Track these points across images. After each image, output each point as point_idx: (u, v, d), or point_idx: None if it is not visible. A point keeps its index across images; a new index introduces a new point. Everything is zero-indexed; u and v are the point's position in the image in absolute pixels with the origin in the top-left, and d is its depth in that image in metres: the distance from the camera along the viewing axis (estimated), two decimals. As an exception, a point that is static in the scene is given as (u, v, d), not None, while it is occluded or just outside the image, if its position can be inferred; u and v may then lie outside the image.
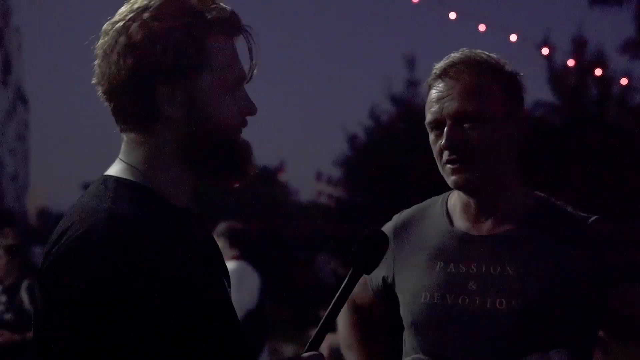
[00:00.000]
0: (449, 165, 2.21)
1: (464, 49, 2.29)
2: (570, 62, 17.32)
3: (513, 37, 12.24)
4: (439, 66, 2.27)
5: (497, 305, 2.15)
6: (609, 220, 2.25)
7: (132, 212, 1.68)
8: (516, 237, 2.22)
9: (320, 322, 1.89)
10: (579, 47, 18.52)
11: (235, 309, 7.00)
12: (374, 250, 1.95)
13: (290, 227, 23.25)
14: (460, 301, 2.20)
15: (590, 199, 16.29)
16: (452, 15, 11.64)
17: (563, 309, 2.14)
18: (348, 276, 1.91)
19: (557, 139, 17.65)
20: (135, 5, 1.77)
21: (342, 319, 2.66)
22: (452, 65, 2.24)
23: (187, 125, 1.77)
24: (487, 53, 2.28)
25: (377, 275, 2.42)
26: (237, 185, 1.86)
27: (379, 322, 2.67)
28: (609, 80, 18.24)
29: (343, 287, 1.89)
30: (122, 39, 1.74)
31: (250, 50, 1.86)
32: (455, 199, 2.35)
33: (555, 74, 18.53)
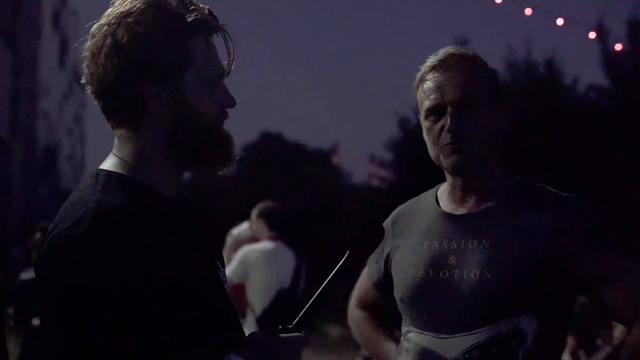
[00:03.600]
0: (448, 146, 2.39)
1: (450, 47, 2.49)
2: (619, 46, 17.12)
3: (560, 21, 12.13)
4: (433, 59, 2.45)
5: (472, 275, 2.33)
6: (582, 199, 2.39)
7: (119, 202, 1.77)
8: (493, 214, 2.40)
9: (309, 303, 1.96)
10: (633, 30, 18.24)
11: (265, 288, 7.14)
12: (370, 237, 2.11)
13: (341, 210, 23.30)
14: (441, 275, 2.38)
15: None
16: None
17: (531, 279, 2.29)
18: (343, 259, 2.04)
19: (611, 123, 17.46)
20: (119, 10, 1.86)
21: (355, 317, 2.88)
22: (449, 58, 2.43)
23: (172, 121, 1.87)
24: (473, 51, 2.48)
25: (378, 267, 2.67)
26: (219, 173, 1.97)
27: (385, 314, 2.89)
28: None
29: (337, 269, 2.01)
30: (108, 42, 1.84)
31: (227, 48, 1.95)
32: (444, 186, 2.54)
33: (608, 58, 18.29)
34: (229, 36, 1.95)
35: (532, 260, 2.30)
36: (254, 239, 7.31)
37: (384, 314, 2.89)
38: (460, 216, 2.45)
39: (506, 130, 2.47)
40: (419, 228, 2.52)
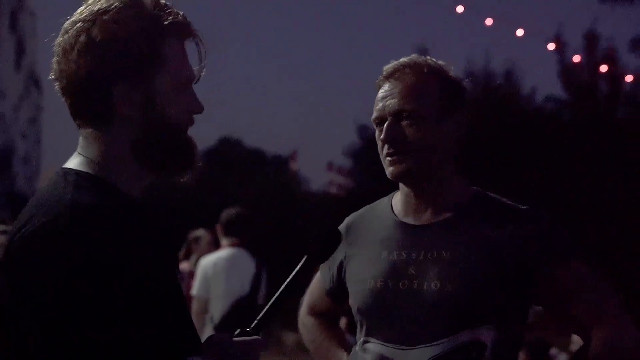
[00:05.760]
0: (387, 158, 2.42)
1: (414, 54, 2.50)
2: (577, 58, 17.36)
3: (520, 32, 12.27)
4: (386, 68, 2.47)
5: (433, 287, 2.33)
6: (539, 210, 2.42)
7: (92, 202, 1.76)
8: (452, 225, 2.41)
9: (267, 306, 1.96)
10: (590, 42, 18.47)
11: (225, 296, 7.14)
12: (328, 242, 2.11)
13: (299, 216, 23.27)
14: (400, 285, 2.38)
15: (599, 194, 16.31)
16: (460, 9, 11.70)
17: (491, 290, 2.31)
18: (301, 264, 2.03)
19: (567, 134, 17.65)
20: (96, 7, 1.84)
21: (306, 324, 2.87)
22: (398, 69, 2.45)
23: (141, 123, 1.86)
24: (435, 60, 2.48)
25: (330, 274, 2.66)
26: (182, 179, 1.95)
27: (336, 321, 2.92)
28: (619, 76, 18.21)
29: (294, 274, 2.00)
30: (82, 38, 1.81)
31: (200, 53, 1.95)
32: (399, 195, 2.54)
33: (566, 69, 18.50)
34: (202, 42, 1.94)
35: (492, 273, 2.32)
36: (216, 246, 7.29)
37: (335, 321, 2.90)
38: (419, 227, 2.45)
39: (459, 139, 2.46)
40: (376, 237, 2.51)
